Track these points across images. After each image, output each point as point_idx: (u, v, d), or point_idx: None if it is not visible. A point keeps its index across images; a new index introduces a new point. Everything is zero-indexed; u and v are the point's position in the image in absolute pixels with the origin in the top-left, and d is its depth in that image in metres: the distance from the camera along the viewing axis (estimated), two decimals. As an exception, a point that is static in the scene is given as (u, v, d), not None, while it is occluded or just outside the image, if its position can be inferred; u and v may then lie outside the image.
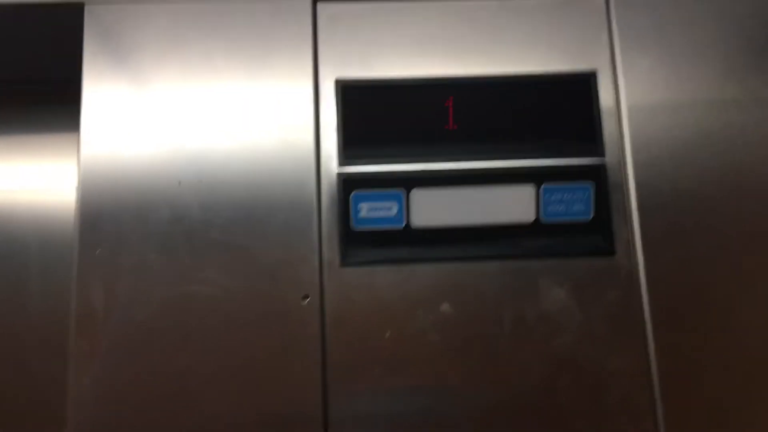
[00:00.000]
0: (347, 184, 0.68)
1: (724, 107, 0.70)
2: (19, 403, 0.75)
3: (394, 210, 0.68)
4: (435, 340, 0.65)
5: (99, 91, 0.69)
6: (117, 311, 0.65)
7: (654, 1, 0.72)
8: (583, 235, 0.68)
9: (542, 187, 0.68)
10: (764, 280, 0.67)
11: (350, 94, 0.69)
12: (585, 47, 0.71)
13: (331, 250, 0.67)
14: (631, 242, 0.67)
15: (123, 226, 0.67)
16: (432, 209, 0.68)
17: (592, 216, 0.68)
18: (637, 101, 0.70)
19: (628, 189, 0.68)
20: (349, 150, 0.68)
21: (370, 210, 0.68)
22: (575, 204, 0.68)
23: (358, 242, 0.67)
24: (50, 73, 0.81)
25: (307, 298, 0.65)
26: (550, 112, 0.70)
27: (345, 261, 0.66)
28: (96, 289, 0.66)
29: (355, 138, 0.69)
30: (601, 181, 0.68)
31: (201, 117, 0.69)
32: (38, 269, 0.78)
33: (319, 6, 0.72)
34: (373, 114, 0.70)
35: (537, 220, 0.68)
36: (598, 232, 0.68)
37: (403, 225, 0.68)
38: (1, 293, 0.77)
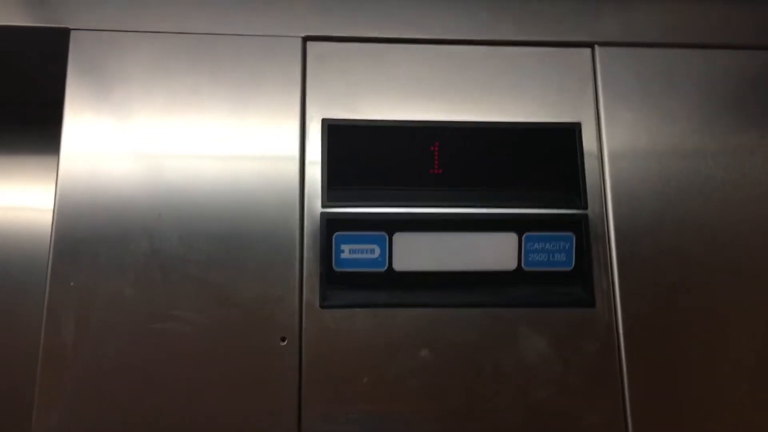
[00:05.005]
0: (330, 224, 0.67)
1: (705, 163, 0.71)
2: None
3: (377, 253, 0.67)
4: (413, 387, 0.65)
5: (81, 116, 0.68)
6: (88, 346, 0.63)
7: (638, 56, 0.73)
8: (564, 285, 0.68)
9: (525, 235, 0.68)
10: (740, 336, 0.68)
11: (337, 134, 0.69)
12: (570, 99, 0.72)
13: (311, 290, 0.66)
14: (611, 294, 0.67)
15: (99, 256, 0.65)
16: (415, 253, 0.67)
17: (573, 266, 0.68)
18: (619, 154, 0.70)
19: (609, 241, 0.68)
20: (333, 190, 0.68)
21: (352, 252, 0.67)
22: (557, 254, 0.68)
23: (338, 284, 0.66)
24: (34, 96, 0.80)
25: (285, 340, 0.64)
26: (535, 162, 0.70)
27: (325, 303, 0.65)
28: (67, 321, 0.64)
29: (340, 178, 0.68)
30: (582, 232, 0.68)
31: (184, 149, 0.68)
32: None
33: (309, 44, 0.72)
34: (358, 155, 0.70)
35: (519, 268, 0.68)
36: (578, 283, 0.68)
37: (385, 268, 0.67)
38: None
